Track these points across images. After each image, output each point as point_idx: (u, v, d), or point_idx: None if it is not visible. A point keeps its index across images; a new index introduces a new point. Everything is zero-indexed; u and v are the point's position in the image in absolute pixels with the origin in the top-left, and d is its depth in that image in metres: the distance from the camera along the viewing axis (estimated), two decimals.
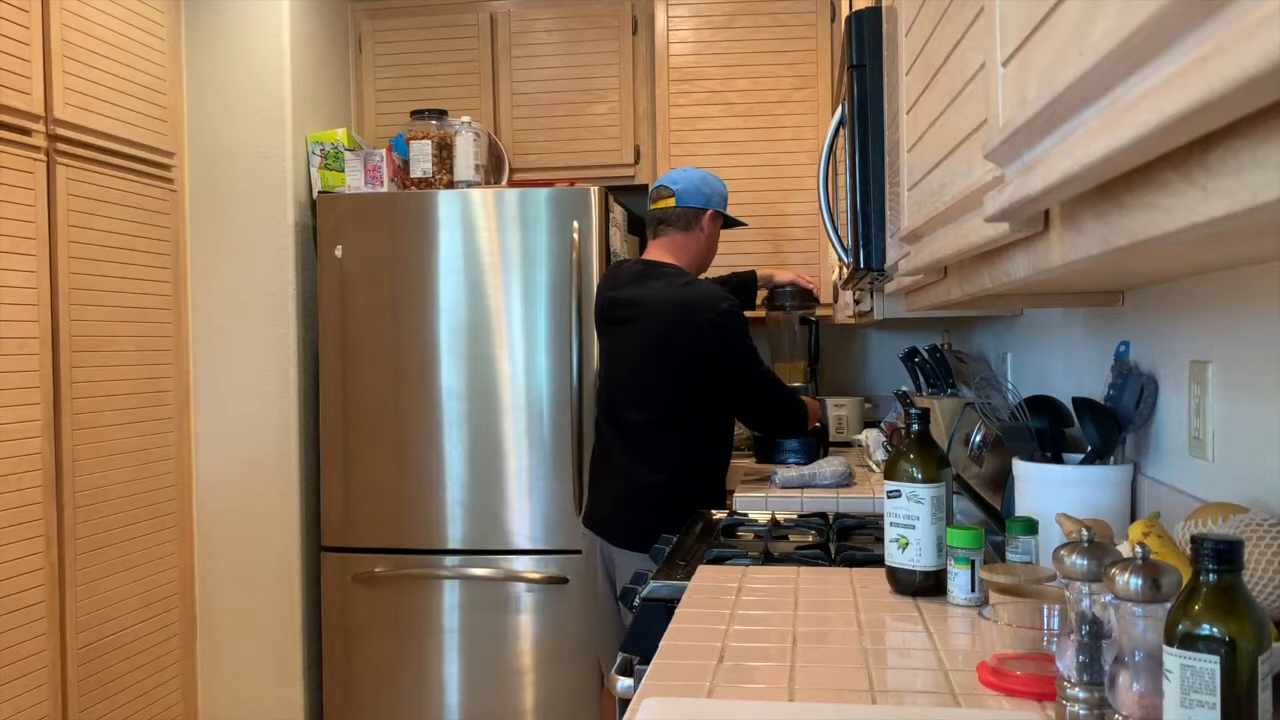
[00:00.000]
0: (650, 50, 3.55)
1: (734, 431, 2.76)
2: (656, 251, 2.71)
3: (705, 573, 1.79)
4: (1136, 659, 0.90)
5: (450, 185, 3.32)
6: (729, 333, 2.54)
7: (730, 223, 2.81)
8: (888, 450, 2.91)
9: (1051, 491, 1.54)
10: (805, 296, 3.22)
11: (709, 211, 2.68)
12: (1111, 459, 1.54)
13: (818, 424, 2.97)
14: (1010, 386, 2.05)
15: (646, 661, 1.39)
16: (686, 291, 2.59)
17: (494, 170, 3.51)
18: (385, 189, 3.28)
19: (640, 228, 3.71)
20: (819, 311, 3.49)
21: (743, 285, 3.14)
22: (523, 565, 3.14)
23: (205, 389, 3.21)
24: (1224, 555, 0.80)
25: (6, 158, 2.42)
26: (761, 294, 3.25)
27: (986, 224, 0.93)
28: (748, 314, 3.15)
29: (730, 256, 3.37)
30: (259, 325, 3.20)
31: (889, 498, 1.58)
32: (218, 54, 3.19)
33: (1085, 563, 1.00)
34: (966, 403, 2.50)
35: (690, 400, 2.59)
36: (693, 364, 2.56)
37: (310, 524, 3.26)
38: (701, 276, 2.73)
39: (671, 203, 2.69)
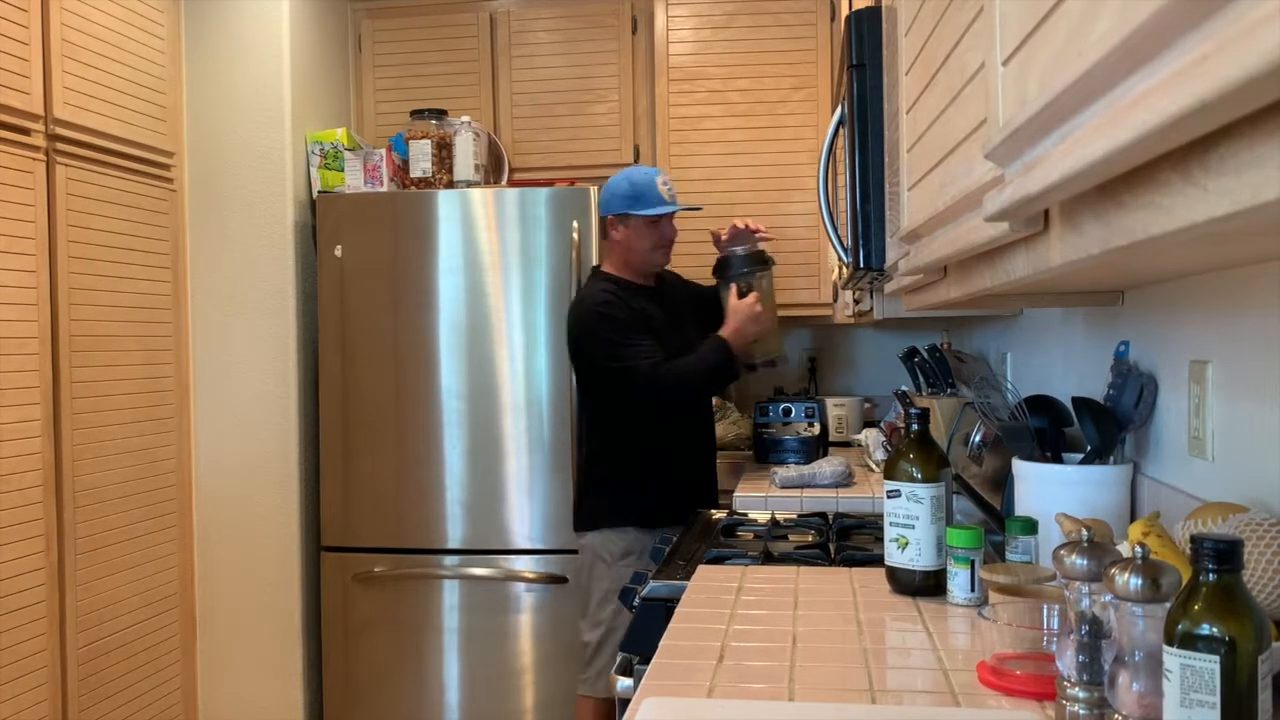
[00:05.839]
0: (650, 50, 3.55)
1: (646, 419, 2.70)
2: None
3: (705, 572, 1.79)
4: (1136, 659, 0.90)
5: (450, 185, 3.31)
6: (581, 330, 2.67)
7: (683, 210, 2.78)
8: (887, 450, 2.91)
9: (1051, 491, 1.54)
10: (755, 260, 2.80)
11: (609, 218, 2.74)
12: (1111, 459, 1.54)
13: (758, 361, 2.75)
14: (1010, 386, 2.05)
15: (646, 661, 1.39)
16: (576, 296, 2.82)
17: (494, 170, 3.50)
18: (385, 188, 3.28)
19: None
20: (817, 311, 3.49)
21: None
22: (522, 565, 3.14)
23: (205, 389, 3.21)
24: (1224, 555, 0.80)
25: (6, 157, 2.42)
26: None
27: (986, 224, 0.93)
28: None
29: None
30: (259, 325, 3.20)
31: (889, 497, 1.58)
32: (218, 54, 3.19)
33: (1085, 562, 1.00)
34: (966, 402, 2.50)
35: (582, 394, 2.80)
36: (572, 360, 2.78)
37: (310, 523, 3.26)
38: (659, 271, 2.79)
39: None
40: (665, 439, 2.71)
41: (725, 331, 2.65)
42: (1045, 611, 1.26)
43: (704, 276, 2.97)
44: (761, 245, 2.82)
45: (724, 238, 2.83)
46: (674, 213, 2.73)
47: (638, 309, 2.68)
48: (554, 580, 3.10)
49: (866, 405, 3.68)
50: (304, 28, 3.30)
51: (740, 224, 2.82)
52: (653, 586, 1.80)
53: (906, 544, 1.56)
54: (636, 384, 2.59)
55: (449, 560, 3.17)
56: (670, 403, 2.67)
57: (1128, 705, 0.91)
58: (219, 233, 3.20)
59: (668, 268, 2.83)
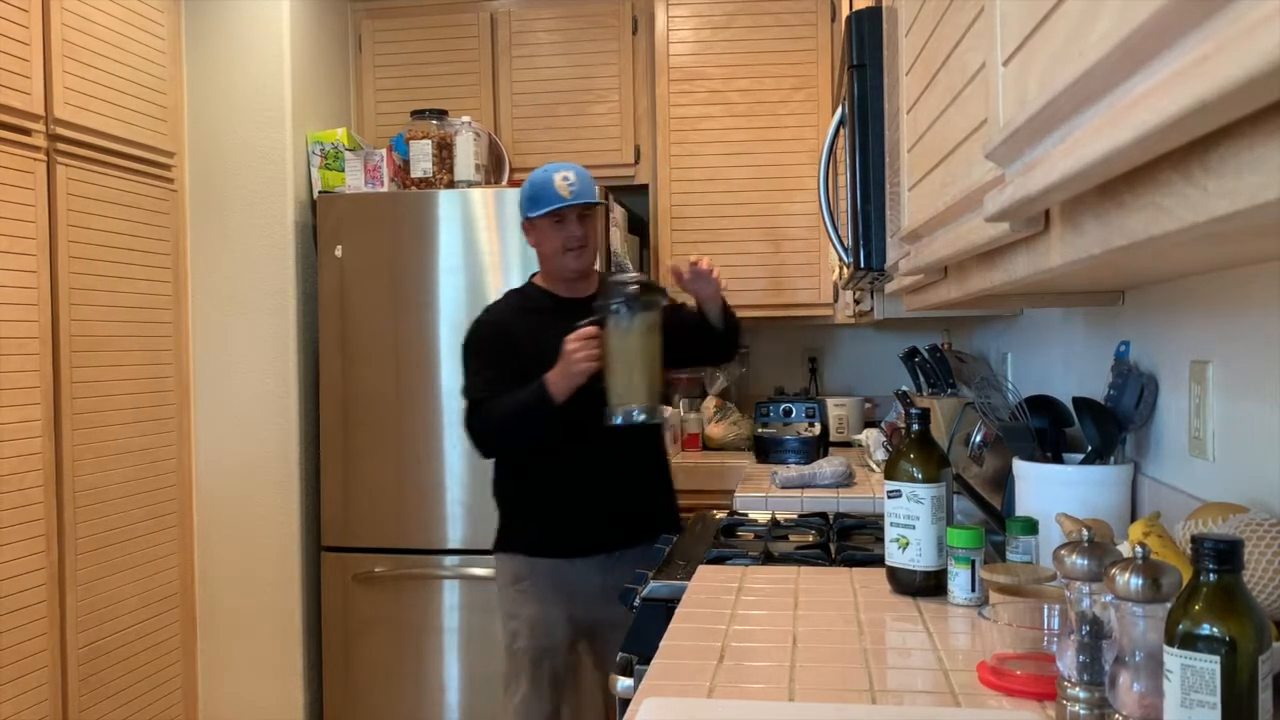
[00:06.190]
0: (650, 50, 3.55)
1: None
2: None
3: (705, 573, 1.79)
4: (1137, 659, 0.90)
5: (450, 185, 3.31)
6: (463, 343, 2.42)
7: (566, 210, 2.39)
8: (888, 450, 2.91)
9: (1051, 491, 1.54)
10: (623, 293, 2.17)
11: (522, 221, 2.48)
12: (1111, 459, 1.54)
13: (616, 415, 2.19)
14: (1010, 386, 2.05)
15: (646, 661, 1.39)
16: None
17: (494, 170, 3.50)
18: (385, 189, 3.28)
19: (640, 228, 3.70)
20: (817, 311, 3.48)
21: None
22: None
23: (205, 389, 3.21)
24: (1224, 555, 0.80)
25: (6, 157, 2.42)
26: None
27: (987, 224, 0.93)
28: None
29: (732, 257, 3.37)
30: (259, 325, 3.20)
31: (889, 498, 1.58)
32: (218, 54, 3.19)
33: (1085, 563, 1.00)
34: (966, 403, 2.50)
35: None
36: None
37: (310, 524, 3.26)
38: (583, 271, 2.43)
39: None
40: (554, 467, 2.36)
41: (551, 372, 2.21)
42: (1046, 611, 1.26)
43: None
44: (647, 281, 2.23)
45: (685, 275, 2.37)
46: (575, 209, 2.35)
47: (518, 326, 2.36)
48: None
49: (867, 405, 3.68)
50: (304, 28, 3.30)
51: (697, 261, 2.37)
52: (653, 586, 1.80)
53: (907, 544, 1.56)
54: (466, 415, 2.35)
55: (449, 560, 3.17)
56: (495, 441, 2.36)
57: (1128, 705, 0.91)
58: (219, 233, 3.20)
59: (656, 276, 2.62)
